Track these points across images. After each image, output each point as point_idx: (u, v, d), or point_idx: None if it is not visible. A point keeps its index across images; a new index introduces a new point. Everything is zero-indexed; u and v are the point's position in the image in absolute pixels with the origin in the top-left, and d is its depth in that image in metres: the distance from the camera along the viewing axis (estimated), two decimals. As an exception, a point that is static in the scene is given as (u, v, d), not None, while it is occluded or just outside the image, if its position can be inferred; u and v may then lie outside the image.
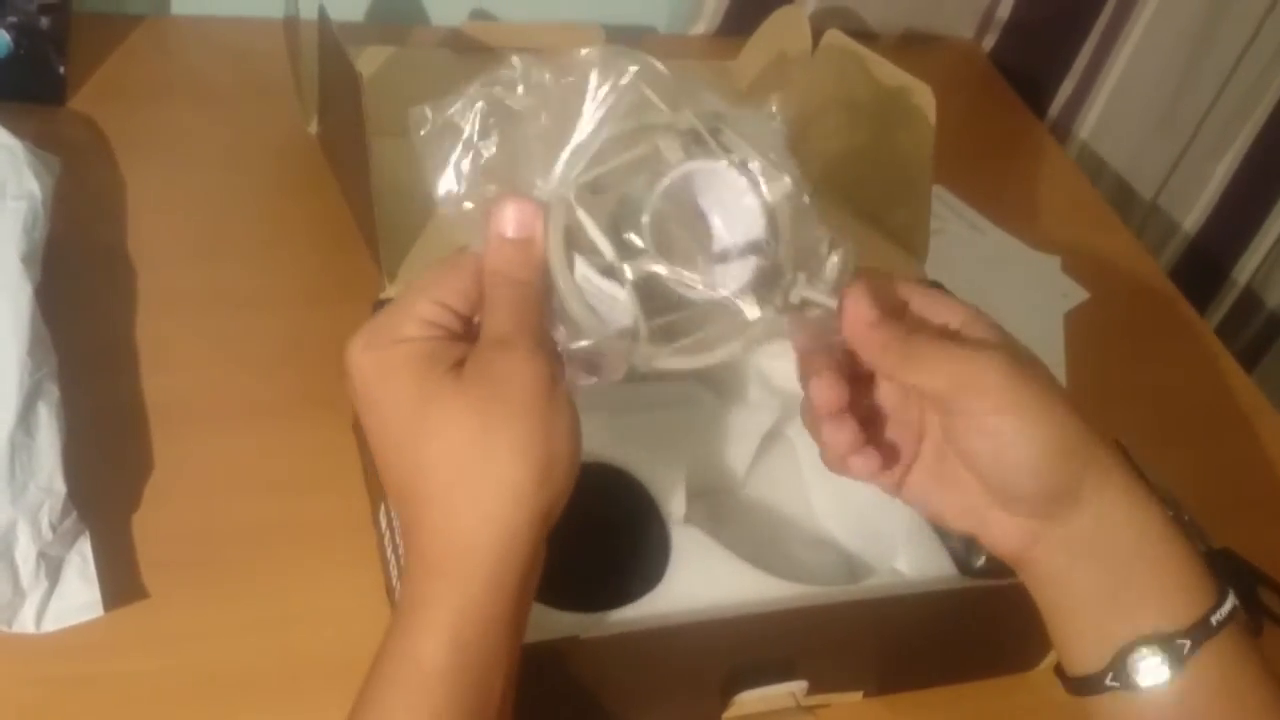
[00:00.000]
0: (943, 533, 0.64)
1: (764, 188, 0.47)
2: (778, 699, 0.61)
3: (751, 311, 0.47)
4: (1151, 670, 0.47)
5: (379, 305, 0.63)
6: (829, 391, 0.49)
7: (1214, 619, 0.47)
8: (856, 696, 0.64)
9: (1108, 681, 0.48)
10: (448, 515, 0.44)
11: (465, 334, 0.46)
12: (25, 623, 0.55)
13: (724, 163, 0.46)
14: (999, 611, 0.63)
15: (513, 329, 0.45)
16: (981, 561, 0.63)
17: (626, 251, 0.45)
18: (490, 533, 0.44)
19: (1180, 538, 0.49)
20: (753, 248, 0.47)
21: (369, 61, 0.85)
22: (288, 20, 0.81)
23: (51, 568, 0.56)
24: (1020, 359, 0.48)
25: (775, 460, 0.70)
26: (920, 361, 0.48)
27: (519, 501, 0.44)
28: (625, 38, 1.01)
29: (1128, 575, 0.48)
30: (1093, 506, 0.48)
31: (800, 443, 0.71)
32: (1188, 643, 0.47)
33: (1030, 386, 0.47)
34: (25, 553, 0.55)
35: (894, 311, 0.49)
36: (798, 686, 0.61)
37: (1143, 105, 1.20)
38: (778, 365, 0.70)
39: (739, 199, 0.46)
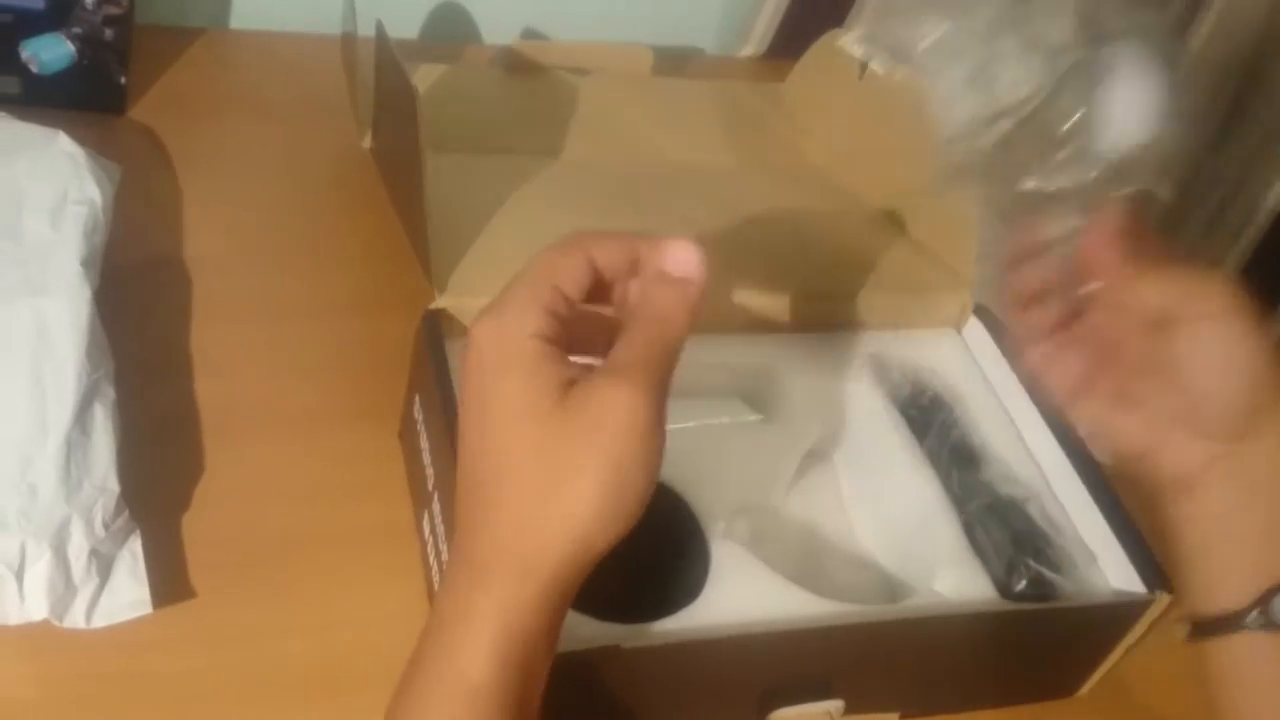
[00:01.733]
0: (984, 556, 0.64)
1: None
2: (814, 717, 0.61)
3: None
4: None
5: (428, 316, 0.64)
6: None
7: None
8: (893, 718, 0.64)
9: (1248, 619, 0.50)
10: (514, 531, 0.44)
11: (573, 318, 0.47)
12: (76, 617, 0.56)
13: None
14: (1039, 636, 0.63)
15: (640, 362, 0.45)
16: (1022, 585, 0.63)
17: None
18: (551, 560, 0.45)
19: None
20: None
21: (423, 78, 0.86)
22: (345, 36, 0.82)
23: (103, 564, 0.57)
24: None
25: (816, 479, 0.70)
26: (1154, 273, 0.52)
27: (586, 536, 0.44)
28: (673, 59, 1.02)
29: None
30: (1269, 438, 0.50)
31: (841, 462, 0.71)
32: None
33: (1246, 307, 0.50)
34: (78, 549, 0.55)
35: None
36: (834, 706, 0.61)
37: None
38: (819, 384, 0.70)
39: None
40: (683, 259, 0.46)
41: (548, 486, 0.44)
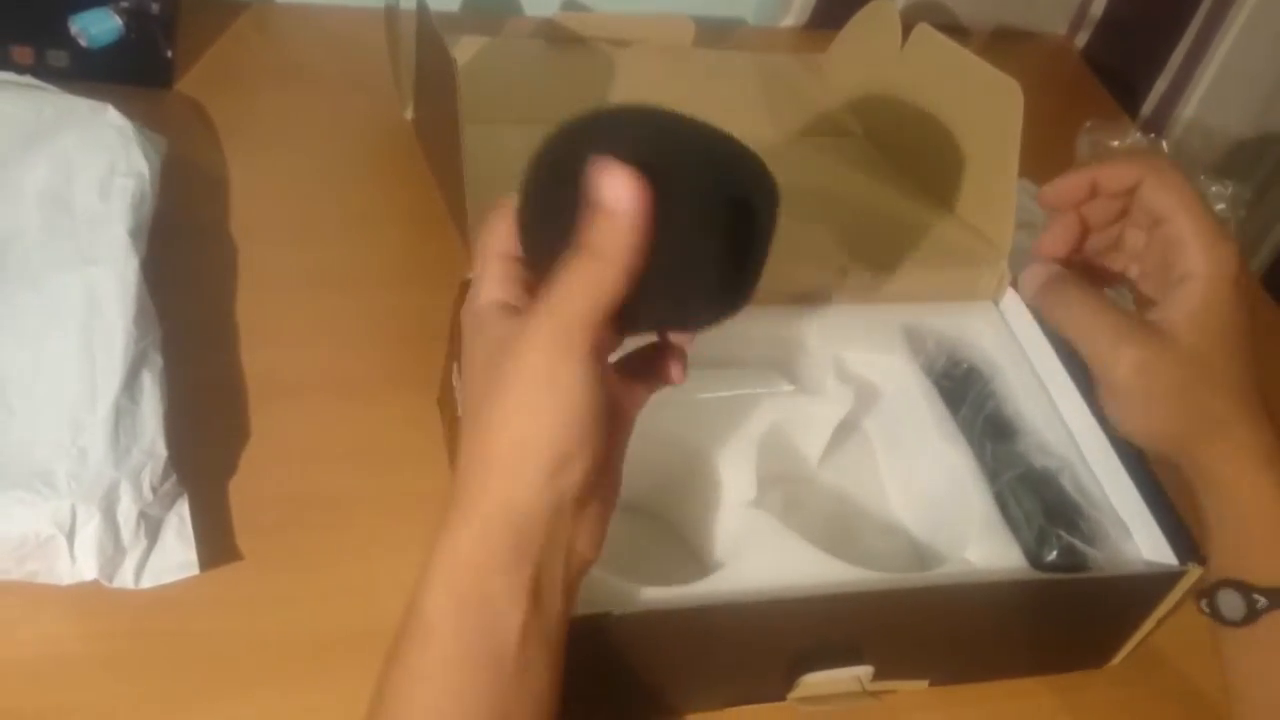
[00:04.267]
0: (1015, 526, 0.64)
1: None
2: (843, 683, 0.61)
3: None
4: (1232, 609, 0.57)
5: (466, 285, 0.65)
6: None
7: None
8: (922, 685, 0.65)
9: (1202, 604, 0.59)
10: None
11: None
12: (125, 578, 0.57)
13: None
14: (1070, 606, 0.64)
15: (549, 308, 0.44)
16: (1053, 555, 0.63)
17: None
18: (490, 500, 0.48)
19: None
20: None
21: (464, 50, 0.87)
22: (388, 9, 0.83)
23: (151, 527, 0.58)
24: None
25: (849, 449, 0.70)
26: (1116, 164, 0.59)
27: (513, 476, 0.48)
28: (715, 30, 1.02)
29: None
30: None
31: (874, 432, 0.71)
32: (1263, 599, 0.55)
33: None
34: (127, 512, 0.57)
35: None
36: (864, 671, 0.61)
37: (1237, 106, 1.18)
38: (854, 356, 0.71)
39: None
40: (616, 190, 0.43)
41: (484, 431, 0.46)
